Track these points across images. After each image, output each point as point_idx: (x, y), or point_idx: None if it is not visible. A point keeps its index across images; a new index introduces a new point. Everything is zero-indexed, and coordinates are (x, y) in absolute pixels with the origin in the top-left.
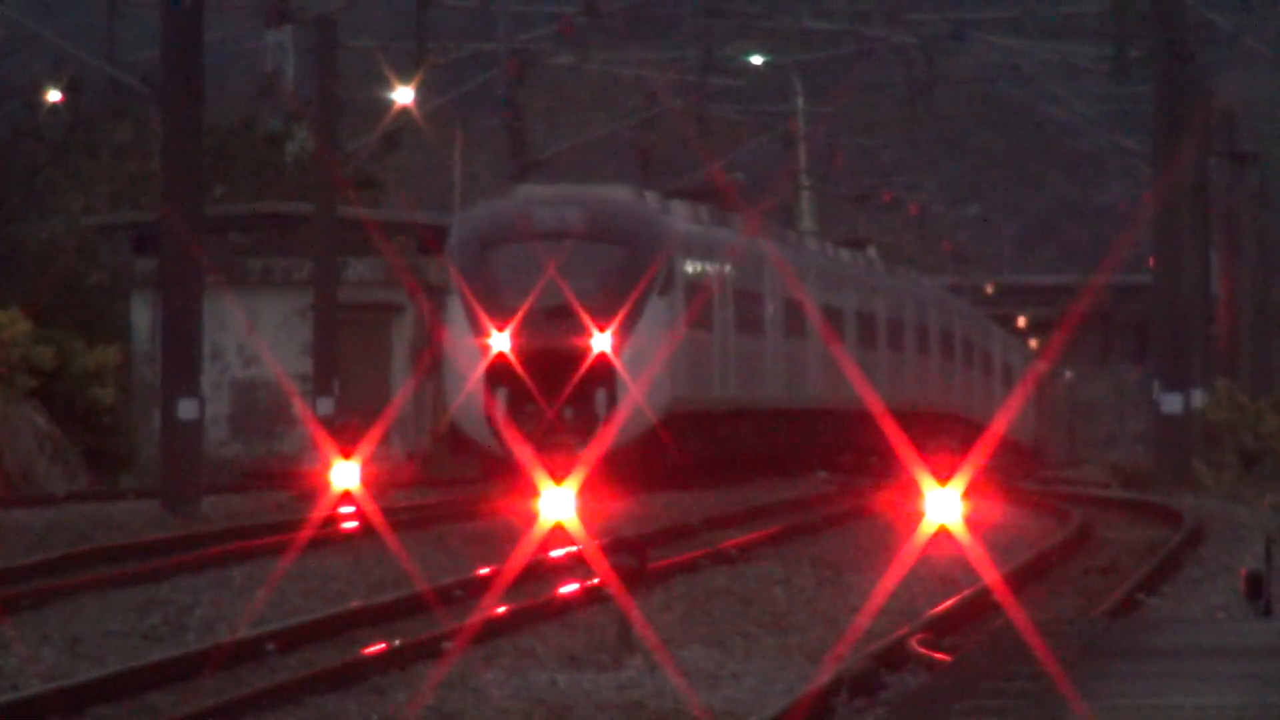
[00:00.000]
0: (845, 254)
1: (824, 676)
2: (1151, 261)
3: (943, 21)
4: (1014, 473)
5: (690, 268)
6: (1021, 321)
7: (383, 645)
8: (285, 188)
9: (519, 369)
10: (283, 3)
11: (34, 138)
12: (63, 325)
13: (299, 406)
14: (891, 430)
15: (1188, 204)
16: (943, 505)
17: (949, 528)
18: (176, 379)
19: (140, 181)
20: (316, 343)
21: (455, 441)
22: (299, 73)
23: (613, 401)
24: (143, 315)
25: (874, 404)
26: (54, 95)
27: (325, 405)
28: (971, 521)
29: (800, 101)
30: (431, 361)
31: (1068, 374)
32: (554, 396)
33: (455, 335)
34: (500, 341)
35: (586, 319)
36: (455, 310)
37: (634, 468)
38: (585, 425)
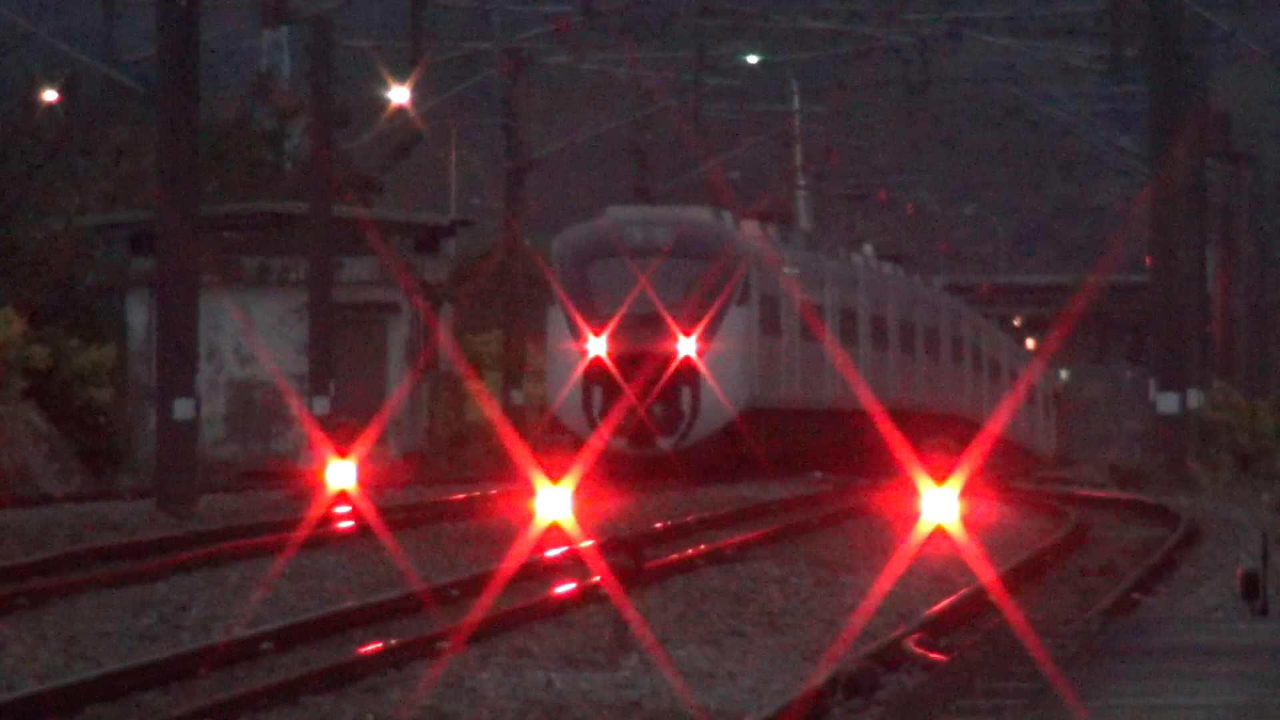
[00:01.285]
0: (888, 267)
1: (820, 676)
2: (1148, 261)
3: (939, 21)
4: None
5: (763, 281)
6: (1018, 321)
7: (378, 645)
8: (282, 187)
9: (613, 370)
10: (279, 2)
11: (30, 137)
12: (58, 325)
13: (295, 406)
14: (932, 431)
15: (1184, 203)
16: (939, 505)
17: (945, 527)
18: (172, 379)
19: (136, 181)
20: (312, 342)
21: (556, 435)
22: (295, 72)
23: (697, 400)
24: (138, 315)
25: (914, 407)
26: (50, 94)
27: (321, 405)
28: (968, 521)
29: (796, 101)
30: (426, 360)
31: (1062, 374)
32: (644, 394)
33: (555, 340)
34: (596, 346)
35: (673, 326)
36: (556, 318)
37: (715, 458)
38: (672, 420)
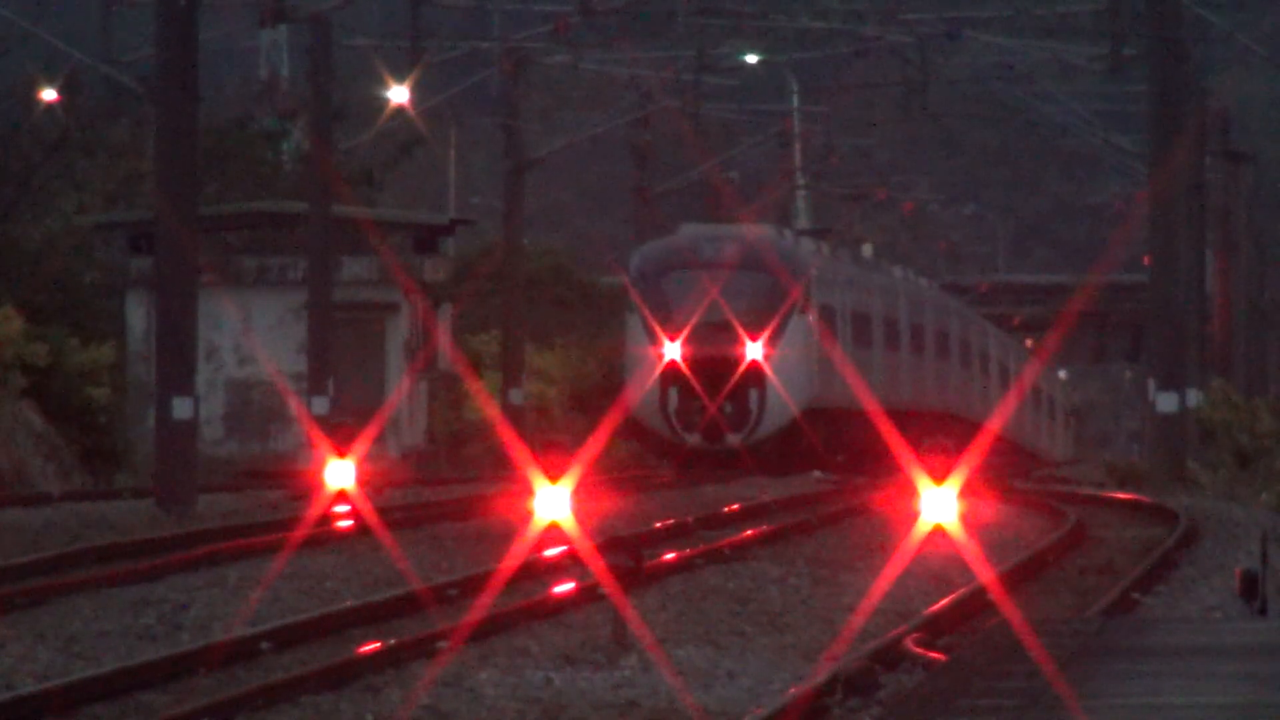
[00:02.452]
0: (924, 281)
1: (819, 676)
2: (1147, 260)
3: (938, 20)
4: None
5: (821, 292)
6: (1016, 321)
7: (377, 644)
8: (284, 187)
9: (687, 372)
10: (278, 1)
11: (29, 136)
12: (58, 324)
13: (294, 405)
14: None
15: (1183, 203)
16: (938, 504)
17: (944, 527)
18: (171, 378)
19: (135, 180)
20: (311, 342)
21: (635, 432)
22: (294, 71)
23: (763, 400)
24: (138, 314)
25: (951, 410)
26: (49, 94)
27: (320, 404)
28: (967, 520)
29: (795, 100)
30: (425, 360)
31: (1062, 374)
32: (715, 395)
33: (634, 345)
34: (672, 350)
35: (742, 333)
36: (635, 325)
37: (779, 453)
38: (741, 418)
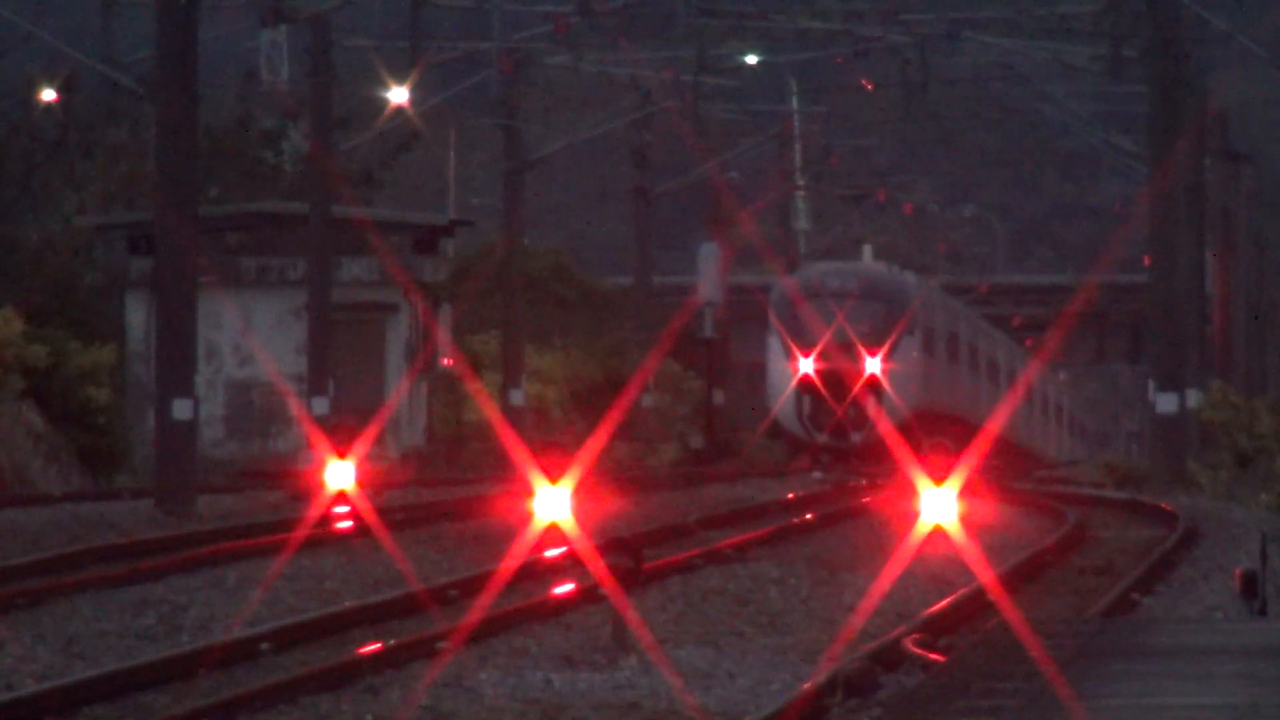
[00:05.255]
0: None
1: (819, 676)
2: (1146, 261)
3: (938, 21)
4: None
5: (924, 316)
6: (1016, 321)
7: (377, 645)
8: (284, 187)
9: (818, 383)
10: (278, 2)
11: (29, 137)
12: (57, 325)
13: (294, 406)
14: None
15: (1183, 203)
16: (938, 505)
17: (944, 527)
18: (171, 379)
19: (135, 181)
20: (311, 342)
21: (774, 433)
22: (293, 72)
23: (879, 404)
24: (137, 315)
25: (1007, 424)
26: (49, 95)
27: (320, 405)
28: (967, 521)
29: (795, 101)
30: (424, 360)
31: (1061, 375)
32: (841, 401)
33: (774, 360)
34: (806, 365)
35: (863, 350)
36: (774, 343)
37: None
38: (861, 420)
